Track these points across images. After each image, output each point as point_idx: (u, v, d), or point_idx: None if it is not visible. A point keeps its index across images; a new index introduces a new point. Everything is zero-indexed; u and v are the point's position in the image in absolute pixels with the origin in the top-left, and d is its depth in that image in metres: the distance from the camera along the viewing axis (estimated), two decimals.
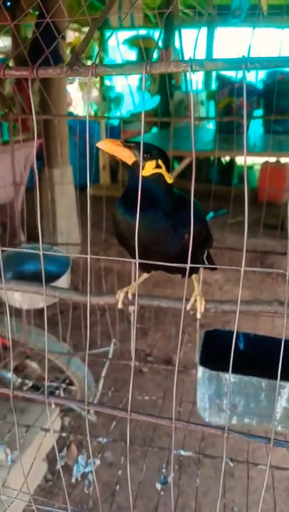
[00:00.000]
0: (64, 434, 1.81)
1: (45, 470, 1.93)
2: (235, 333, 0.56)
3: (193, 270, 0.92)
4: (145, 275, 0.99)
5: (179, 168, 4.55)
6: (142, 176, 0.78)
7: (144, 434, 2.12)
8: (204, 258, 0.99)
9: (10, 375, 2.00)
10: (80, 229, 3.90)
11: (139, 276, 0.97)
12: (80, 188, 3.87)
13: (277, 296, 3.62)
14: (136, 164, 0.80)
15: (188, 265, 0.60)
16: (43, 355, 1.99)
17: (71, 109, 6.87)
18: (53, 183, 3.47)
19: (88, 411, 2.01)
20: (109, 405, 0.71)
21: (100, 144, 0.79)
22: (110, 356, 2.06)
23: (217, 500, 1.83)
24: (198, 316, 0.77)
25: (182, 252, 0.84)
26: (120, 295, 0.79)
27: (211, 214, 4.29)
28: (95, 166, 5.30)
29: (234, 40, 6.41)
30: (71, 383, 2.03)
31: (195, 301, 0.78)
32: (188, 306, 0.77)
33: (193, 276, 0.93)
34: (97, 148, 0.79)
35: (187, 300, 0.78)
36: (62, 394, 1.92)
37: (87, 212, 0.62)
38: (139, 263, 0.87)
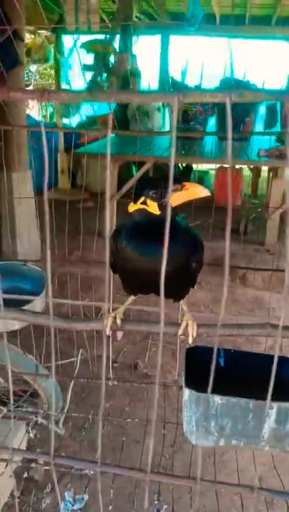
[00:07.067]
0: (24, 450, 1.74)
1: (12, 487, 1.87)
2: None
3: (184, 294, 0.93)
4: (132, 298, 0.99)
5: (138, 173, 4.57)
6: (154, 213, 0.82)
7: (113, 443, 2.11)
8: None
9: None
10: (39, 234, 3.82)
11: (113, 300, 0.97)
12: (38, 192, 3.79)
13: (235, 298, 3.72)
14: (161, 205, 0.85)
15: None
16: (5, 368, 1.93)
17: (28, 111, 6.71)
18: (11, 188, 3.38)
19: (57, 424, 1.96)
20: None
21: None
22: (77, 366, 2.04)
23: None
24: (190, 341, 0.76)
25: (186, 277, 0.87)
26: (108, 320, 0.77)
27: None
28: (53, 170, 5.20)
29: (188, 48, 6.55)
30: (35, 395, 1.98)
31: (186, 325, 0.77)
32: (180, 331, 0.75)
33: (182, 300, 0.94)
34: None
35: (178, 324, 0.76)
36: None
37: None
38: (129, 287, 0.89)
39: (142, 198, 0.85)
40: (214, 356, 0.47)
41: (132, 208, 0.87)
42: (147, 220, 0.85)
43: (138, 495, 1.72)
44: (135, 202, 0.86)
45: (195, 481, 0.52)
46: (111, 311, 0.83)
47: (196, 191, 0.81)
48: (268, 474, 2.00)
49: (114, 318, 0.79)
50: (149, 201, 0.85)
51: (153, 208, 0.84)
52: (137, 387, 2.44)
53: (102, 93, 0.45)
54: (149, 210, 0.85)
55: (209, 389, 0.48)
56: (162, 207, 0.84)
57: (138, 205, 0.86)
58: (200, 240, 0.92)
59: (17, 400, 1.92)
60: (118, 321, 0.77)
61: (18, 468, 1.91)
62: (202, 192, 0.81)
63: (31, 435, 2.11)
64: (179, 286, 0.84)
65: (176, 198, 0.81)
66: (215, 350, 0.52)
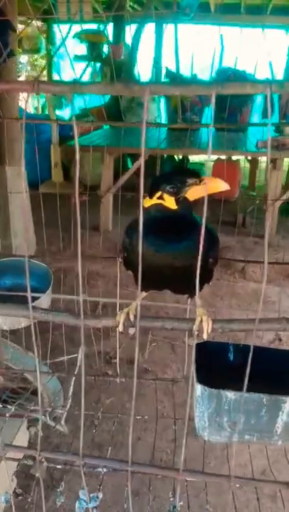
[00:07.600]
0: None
1: (14, 485, 1.85)
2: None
3: (199, 290, 0.90)
4: (144, 294, 0.97)
5: (134, 166, 4.53)
6: (173, 209, 0.79)
7: (115, 440, 2.10)
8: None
9: None
10: (34, 228, 3.76)
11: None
12: (31, 185, 3.73)
13: (235, 292, 3.71)
14: (179, 200, 0.82)
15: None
16: (6, 365, 1.90)
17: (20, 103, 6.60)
18: (5, 182, 3.33)
19: (59, 422, 1.94)
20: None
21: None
22: (82, 363, 2.01)
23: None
24: (205, 336, 0.74)
25: (203, 273, 0.84)
26: (121, 317, 0.75)
27: None
28: (46, 162, 5.12)
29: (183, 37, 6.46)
30: (35, 393, 1.96)
31: (201, 321, 0.75)
32: (195, 327, 0.73)
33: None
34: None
35: (192, 320, 0.74)
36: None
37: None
38: (142, 283, 0.86)
39: (159, 193, 0.83)
40: (251, 353, 0.45)
41: (148, 202, 0.83)
42: (164, 216, 0.82)
43: (145, 493, 1.71)
44: (151, 197, 0.82)
45: (228, 479, 0.50)
46: (118, 308, 0.80)
47: (216, 185, 0.77)
48: (269, 469, 2.00)
49: (128, 314, 0.76)
50: (165, 196, 0.82)
51: (170, 202, 0.81)
52: (137, 383, 2.42)
53: (137, 86, 0.41)
54: (165, 205, 0.82)
55: (244, 386, 0.45)
56: (179, 202, 0.81)
57: (154, 200, 0.83)
58: (216, 236, 0.89)
59: (18, 397, 1.90)
60: (131, 317, 0.75)
61: (20, 468, 1.89)
62: (222, 186, 0.77)
63: (34, 433, 2.09)
64: (190, 281, 0.81)
65: (194, 193, 0.79)
66: (251, 346, 0.49)
